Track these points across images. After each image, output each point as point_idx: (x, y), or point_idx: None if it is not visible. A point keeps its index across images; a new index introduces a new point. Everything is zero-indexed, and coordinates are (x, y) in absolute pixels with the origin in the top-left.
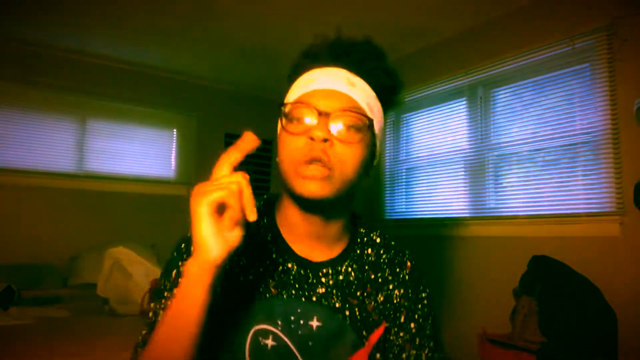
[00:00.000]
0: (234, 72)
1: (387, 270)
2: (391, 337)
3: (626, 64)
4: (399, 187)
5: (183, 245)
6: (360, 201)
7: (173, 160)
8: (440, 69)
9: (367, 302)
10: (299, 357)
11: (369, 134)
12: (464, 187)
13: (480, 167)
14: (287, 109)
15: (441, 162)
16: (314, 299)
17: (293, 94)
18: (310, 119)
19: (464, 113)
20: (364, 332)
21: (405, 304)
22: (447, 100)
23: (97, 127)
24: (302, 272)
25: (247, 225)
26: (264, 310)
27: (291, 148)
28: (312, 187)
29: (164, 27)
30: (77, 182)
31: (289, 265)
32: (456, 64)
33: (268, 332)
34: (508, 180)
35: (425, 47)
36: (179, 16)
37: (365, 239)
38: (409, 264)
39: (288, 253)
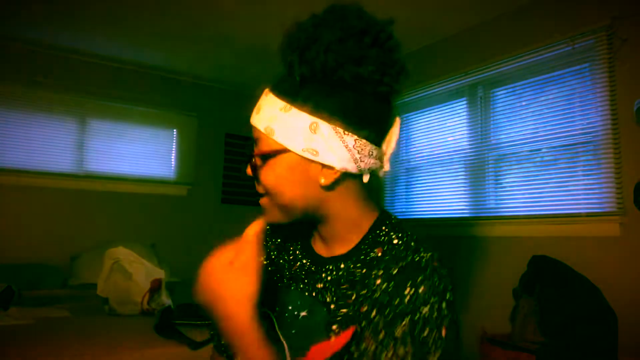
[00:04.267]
0: (234, 72)
1: (384, 267)
2: (364, 344)
3: (626, 64)
4: (399, 187)
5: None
6: None
7: (173, 160)
8: (440, 69)
9: (352, 298)
10: (284, 342)
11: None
12: (464, 187)
13: (480, 167)
14: None
15: (441, 162)
16: (314, 293)
17: None
18: None
19: (464, 113)
20: (334, 327)
21: (381, 297)
22: (447, 100)
23: (97, 127)
24: (313, 268)
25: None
26: (270, 296)
27: None
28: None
29: (164, 27)
30: (77, 182)
31: (304, 261)
32: (456, 64)
33: (266, 314)
34: (508, 180)
35: (425, 46)
36: (179, 16)
37: (382, 239)
38: (415, 260)
39: (308, 249)
